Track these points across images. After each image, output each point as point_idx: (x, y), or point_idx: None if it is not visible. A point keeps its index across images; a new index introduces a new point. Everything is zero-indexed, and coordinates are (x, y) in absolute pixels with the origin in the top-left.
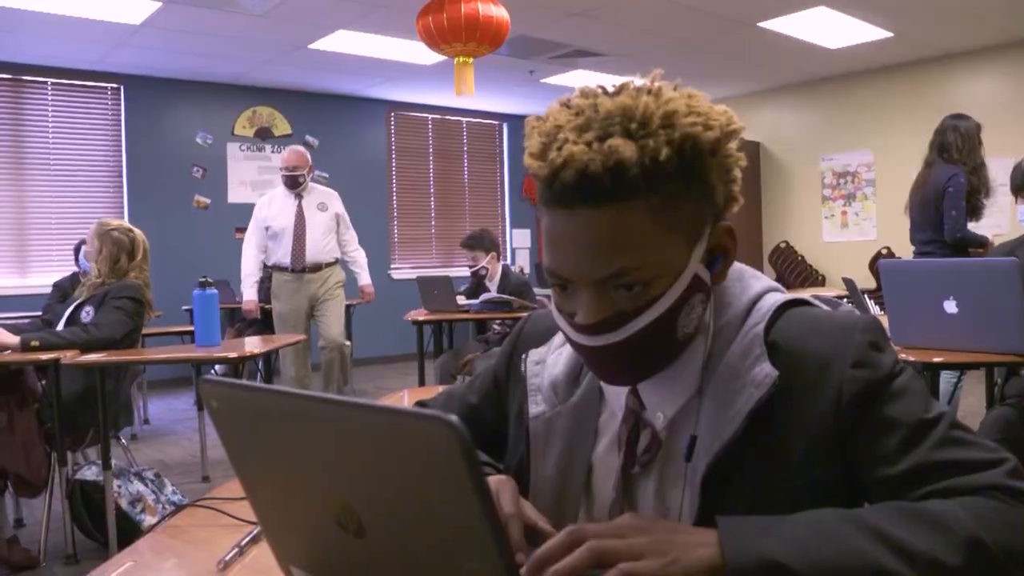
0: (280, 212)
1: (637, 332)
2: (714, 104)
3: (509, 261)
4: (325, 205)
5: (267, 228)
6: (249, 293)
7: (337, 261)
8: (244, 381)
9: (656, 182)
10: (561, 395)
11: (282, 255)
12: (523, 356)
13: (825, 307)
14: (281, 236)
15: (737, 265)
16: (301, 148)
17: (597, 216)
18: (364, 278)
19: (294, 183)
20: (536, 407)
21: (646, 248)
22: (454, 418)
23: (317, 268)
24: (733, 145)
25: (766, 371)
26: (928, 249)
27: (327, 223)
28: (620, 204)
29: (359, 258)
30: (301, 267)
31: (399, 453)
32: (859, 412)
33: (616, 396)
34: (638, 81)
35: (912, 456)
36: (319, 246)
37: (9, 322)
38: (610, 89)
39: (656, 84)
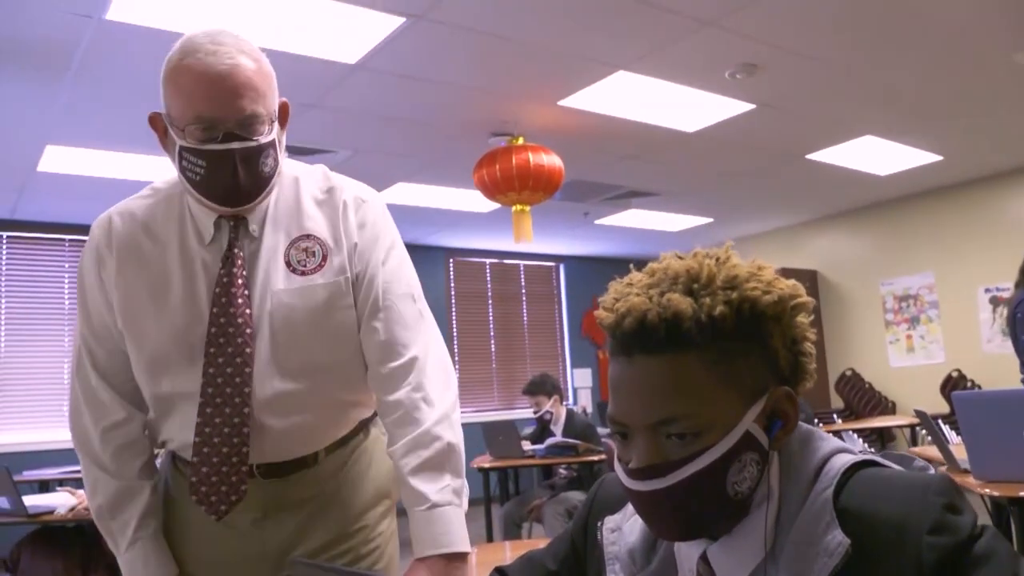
0: (161, 274)
1: (684, 480)
2: (779, 274)
3: (571, 401)
4: (313, 250)
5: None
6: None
7: (364, 430)
8: (328, 563)
9: (712, 337)
10: (639, 563)
11: (173, 428)
12: (599, 523)
13: (896, 467)
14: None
15: (804, 427)
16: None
17: (652, 363)
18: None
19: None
20: None
21: (698, 398)
22: None
23: (289, 469)
24: (802, 319)
25: (838, 539)
26: (1022, 376)
27: (314, 318)
28: (674, 354)
29: (416, 416)
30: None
31: None
32: None
33: (688, 563)
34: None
35: None
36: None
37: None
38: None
39: (727, 252)
